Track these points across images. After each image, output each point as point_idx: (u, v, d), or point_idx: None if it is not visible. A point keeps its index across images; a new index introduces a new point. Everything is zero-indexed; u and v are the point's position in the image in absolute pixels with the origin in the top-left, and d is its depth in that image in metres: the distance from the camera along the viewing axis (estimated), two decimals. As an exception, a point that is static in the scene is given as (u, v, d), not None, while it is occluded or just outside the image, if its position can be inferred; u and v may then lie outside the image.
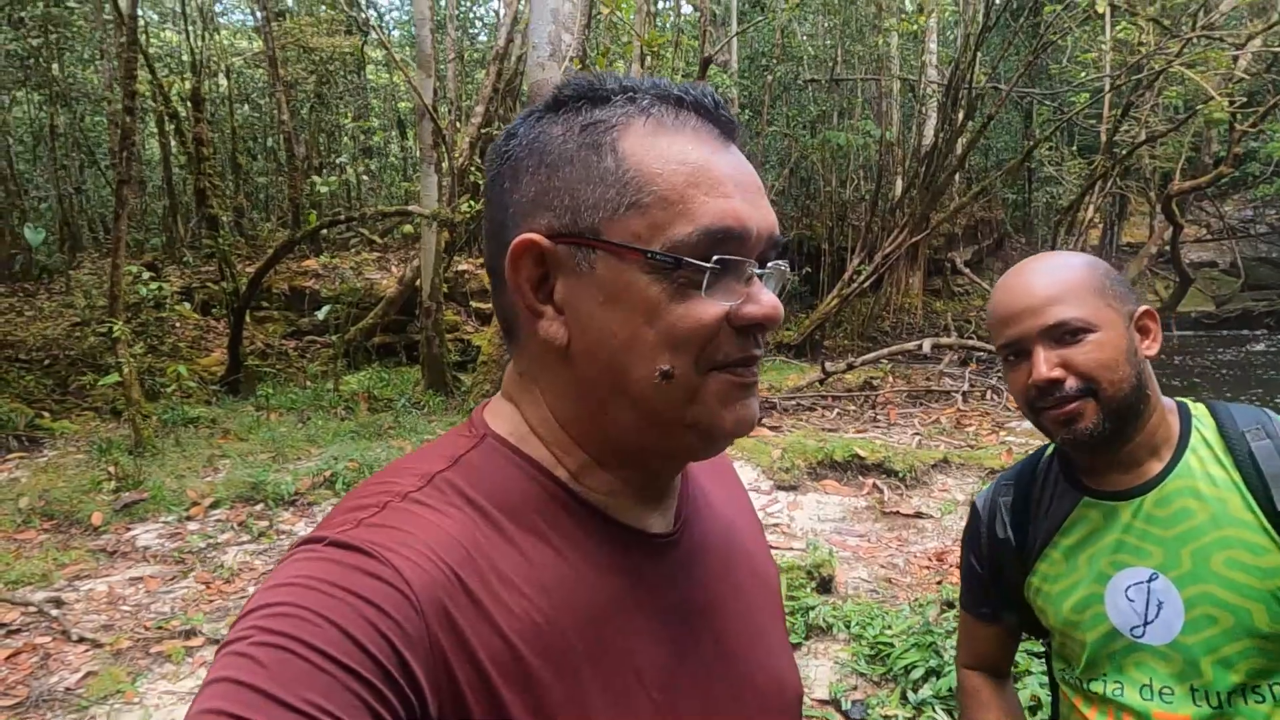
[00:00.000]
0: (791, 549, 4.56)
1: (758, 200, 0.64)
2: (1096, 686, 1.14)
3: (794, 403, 8.73)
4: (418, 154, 10.52)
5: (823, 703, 3.07)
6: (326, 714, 0.47)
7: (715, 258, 0.59)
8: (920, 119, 14.99)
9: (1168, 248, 16.14)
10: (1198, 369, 12.65)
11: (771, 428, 7.58)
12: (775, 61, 15.09)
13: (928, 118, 14.49)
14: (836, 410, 8.59)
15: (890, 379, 10.15)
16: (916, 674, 3.06)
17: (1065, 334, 1.07)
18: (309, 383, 9.74)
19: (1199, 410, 1.17)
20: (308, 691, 0.47)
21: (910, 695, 2.98)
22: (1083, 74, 13.94)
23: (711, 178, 0.61)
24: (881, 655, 3.28)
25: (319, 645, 0.49)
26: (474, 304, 11.93)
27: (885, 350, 10.66)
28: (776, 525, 5.03)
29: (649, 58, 7.78)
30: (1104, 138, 12.96)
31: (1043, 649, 1.32)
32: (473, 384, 8.45)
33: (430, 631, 0.53)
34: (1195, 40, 10.62)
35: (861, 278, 12.57)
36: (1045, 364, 1.07)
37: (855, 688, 3.14)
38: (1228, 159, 13.60)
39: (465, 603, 0.55)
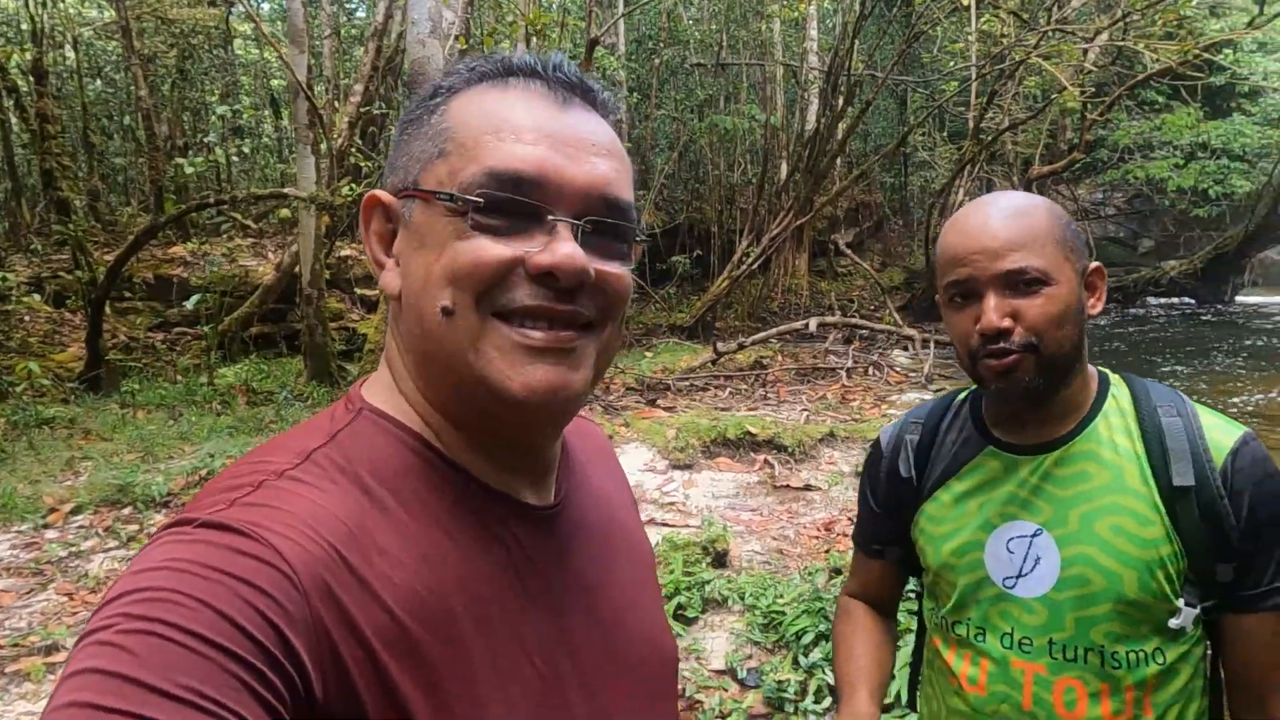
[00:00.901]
0: (687, 526, 4.64)
1: (581, 155, 0.64)
2: (960, 630, 1.16)
3: (687, 383, 8.87)
4: (293, 134, 10.02)
5: (719, 673, 3.14)
6: (205, 699, 0.45)
7: (480, 191, 0.61)
8: (803, 104, 15.41)
9: (1029, 228, 17.15)
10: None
11: (666, 408, 7.68)
12: (662, 45, 15.17)
13: (810, 103, 14.90)
14: (729, 389, 8.78)
15: (779, 358, 10.45)
16: (807, 639, 3.18)
17: (1021, 283, 1.03)
18: (180, 377, 9.16)
19: (1116, 380, 1.17)
20: (184, 676, 0.45)
21: (801, 659, 3.09)
22: (951, 63, 14.67)
23: (513, 126, 0.63)
24: (774, 624, 3.38)
25: (193, 629, 0.47)
26: (359, 290, 11.50)
27: (774, 330, 10.97)
28: (672, 504, 5.10)
29: (534, 38, 7.67)
30: (971, 124, 13.69)
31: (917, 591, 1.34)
32: (360, 373, 8.16)
33: (313, 610, 0.52)
34: (1050, 33, 11.34)
35: (750, 260, 12.85)
36: (996, 312, 1.03)
37: (750, 656, 3.24)
38: (1080, 145, 14.63)
39: (348, 579, 0.54)
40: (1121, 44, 12.55)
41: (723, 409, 7.74)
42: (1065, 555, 1.07)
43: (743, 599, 3.67)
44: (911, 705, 1.36)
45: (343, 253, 11.44)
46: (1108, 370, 1.19)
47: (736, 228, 14.84)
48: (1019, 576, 1.10)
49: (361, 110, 9.99)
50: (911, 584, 1.39)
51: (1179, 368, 10.43)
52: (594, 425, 0.92)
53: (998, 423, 1.18)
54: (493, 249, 0.60)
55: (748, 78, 16.35)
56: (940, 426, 1.24)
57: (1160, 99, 17.95)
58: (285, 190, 8.99)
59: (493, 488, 0.67)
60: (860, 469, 1.31)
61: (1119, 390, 1.15)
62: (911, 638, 2.91)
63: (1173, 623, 1.04)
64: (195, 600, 0.48)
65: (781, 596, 3.58)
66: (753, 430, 6.19)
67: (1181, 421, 1.08)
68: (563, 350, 0.62)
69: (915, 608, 1.39)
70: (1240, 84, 16.25)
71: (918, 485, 1.22)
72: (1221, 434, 1.06)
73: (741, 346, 10.04)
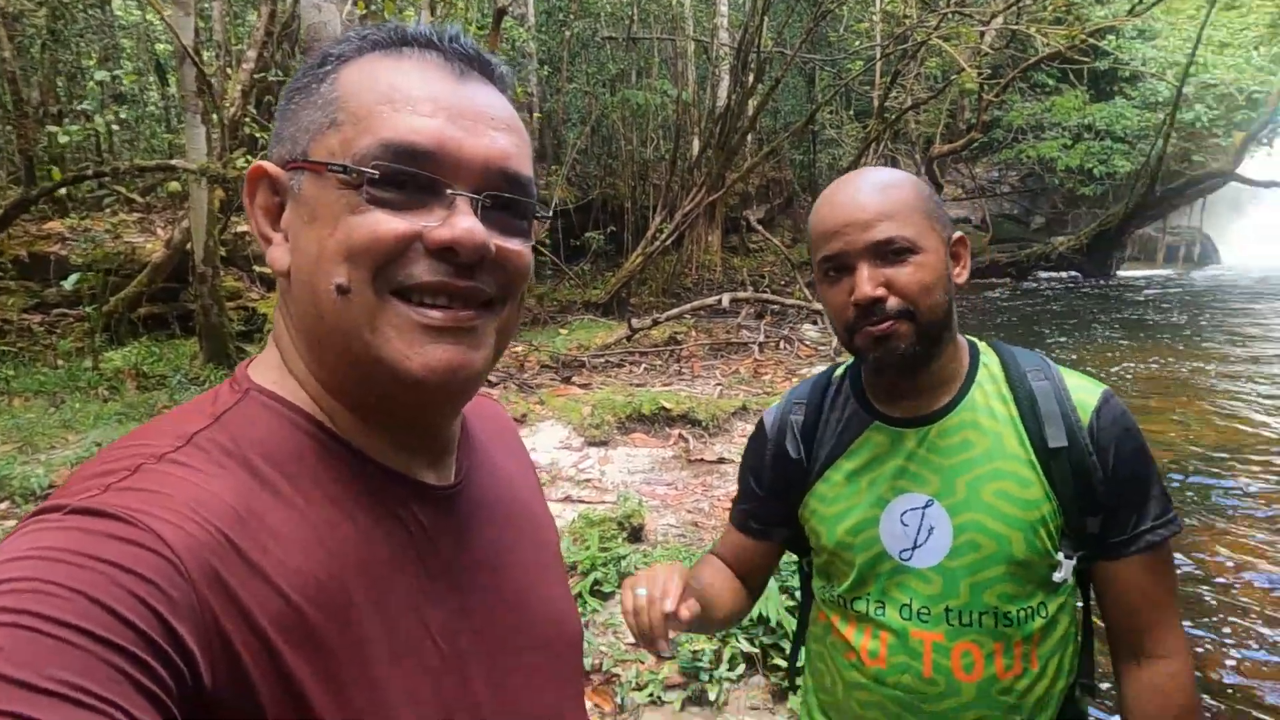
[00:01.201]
0: (604, 502, 4.65)
1: (479, 129, 0.62)
2: (860, 605, 1.18)
3: (602, 360, 8.85)
4: (180, 102, 9.44)
5: (635, 645, 3.17)
6: (82, 691, 0.42)
7: (374, 163, 0.58)
8: (714, 80, 15.47)
9: (930, 206, 17.79)
10: (963, 312, 14.10)
11: (581, 385, 7.65)
12: (573, 17, 14.93)
13: (721, 79, 14.97)
14: (644, 365, 8.81)
15: (693, 333, 10.55)
16: (722, 609, 3.23)
17: (890, 252, 1.06)
18: (61, 361, 8.57)
19: (985, 348, 1.21)
20: (57, 670, 0.42)
21: (716, 630, 3.15)
22: (857, 42, 14.95)
23: (408, 96, 0.60)
24: (690, 595, 3.42)
25: (67, 619, 0.44)
26: (257, 268, 10.99)
27: (688, 305, 11.04)
28: (588, 480, 5.10)
29: (440, 5, 7.41)
30: (876, 103, 14.03)
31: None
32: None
33: (200, 596, 0.49)
34: (950, 15, 11.69)
35: (664, 236, 12.89)
36: (869, 282, 1.05)
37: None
38: (977, 125, 15.21)
39: (237, 564, 0.52)
40: (1015, 28, 13.06)
41: (638, 385, 7.77)
42: (957, 523, 1.10)
43: (659, 572, 3.70)
44: (792, 686, 1.39)
45: (240, 228, 10.88)
46: (975, 339, 1.22)
47: (650, 204, 14.84)
48: (914, 548, 1.13)
49: (256, 77, 9.48)
50: (788, 559, 1.41)
51: (1063, 339, 11.04)
52: (496, 404, 0.91)
53: (879, 397, 1.19)
54: (389, 223, 0.58)
55: (659, 52, 16.30)
56: (823, 405, 1.24)
57: (1050, 82, 18.83)
58: (173, 162, 8.45)
59: (390, 468, 0.65)
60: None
61: (989, 358, 1.19)
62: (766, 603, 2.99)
63: (1056, 576, 1.10)
64: (68, 589, 0.45)
65: (696, 568, 3.62)
66: (667, 405, 6.23)
67: (1050, 385, 1.13)
68: (462, 329, 0.61)
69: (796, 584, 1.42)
70: (1122, 69, 17.16)
71: (807, 466, 1.23)
72: (1085, 394, 1.12)
73: (656, 323, 10.08)
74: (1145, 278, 18.57)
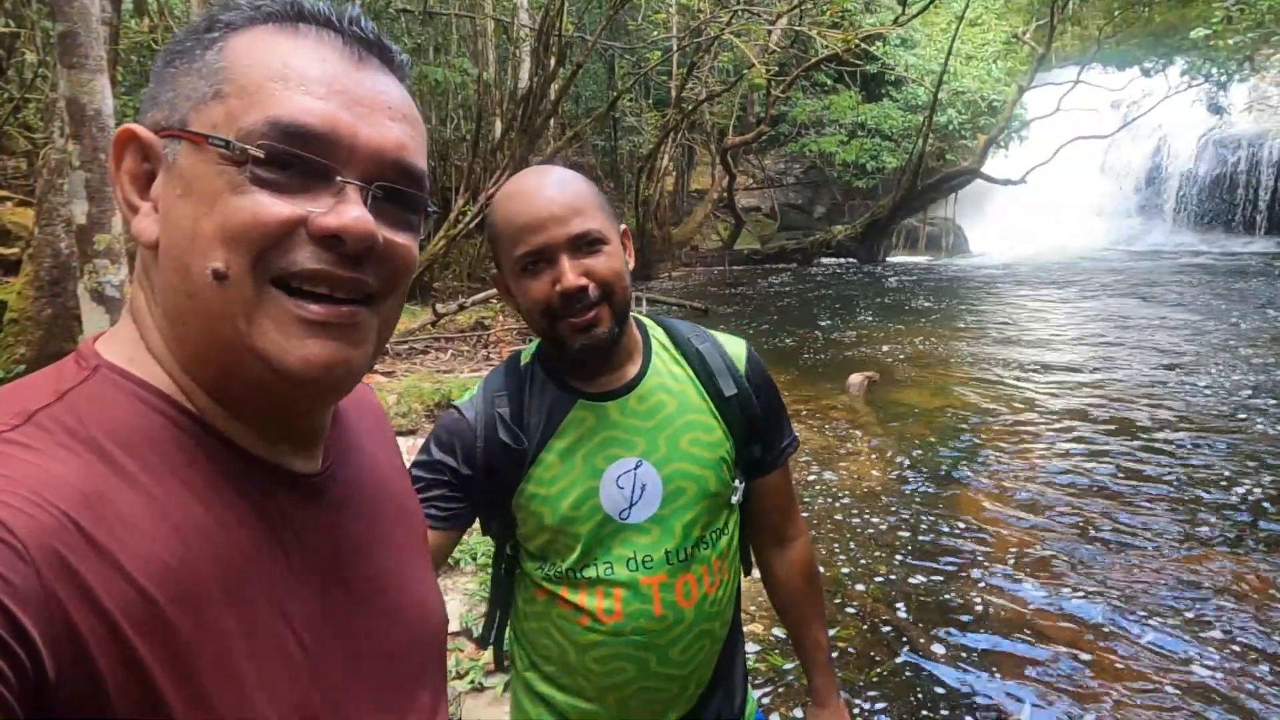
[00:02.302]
0: (413, 493, 4.52)
1: (374, 117, 0.61)
2: (589, 572, 1.23)
3: (406, 346, 8.55)
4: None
5: (455, 634, 3.13)
6: None
7: (261, 142, 0.56)
8: (515, 62, 15.29)
9: (726, 194, 18.80)
10: (753, 296, 15.03)
11: (385, 373, 7.36)
12: (364, -15, 14.14)
13: (522, 61, 14.82)
14: (450, 351, 8.61)
15: (501, 318, 10.44)
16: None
17: (585, 244, 1.15)
18: None
19: (649, 322, 1.36)
20: None
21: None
22: (655, 32, 15.34)
23: (302, 76, 0.58)
24: (507, 579, 3.42)
25: None
26: (-9, 249, 9.51)
27: (493, 290, 10.90)
28: (396, 471, 4.94)
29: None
30: (674, 93, 14.51)
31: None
32: (0, 348, 6.79)
33: (44, 583, 0.46)
34: (740, 13, 12.31)
35: (467, 219, 12.61)
36: (573, 272, 1.14)
37: (484, 615, 3.25)
38: (765, 119, 16.17)
39: (85, 549, 0.49)
40: (798, 29, 14.00)
41: (445, 371, 7.59)
42: (664, 475, 1.24)
43: (475, 559, 3.67)
44: (499, 664, 1.46)
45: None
46: (639, 315, 1.36)
47: (452, 185, 14.44)
48: (630, 506, 1.23)
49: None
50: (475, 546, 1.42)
51: (833, 321, 11.94)
52: (365, 387, 0.87)
53: (576, 377, 1.27)
54: (273, 206, 0.56)
55: (458, 29, 15.84)
56: (524, 393, 1.27)
57: (829, 81, 20.36)
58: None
59: (253, 454, 0.62)
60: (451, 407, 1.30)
61: (655, 331, 1.35)
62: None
63: (734, 499, 1.33)
64: None
65: (513, 552, 3.62)
66: (477, 391, 6.15)
67: (710, 344, 1.34)
68: (343, 325, 0.59)
69: (491, 573, 1.44)
70: (889, 73, 18.92)
71: (525, 452, 1.24)
72: (736, 347, 1.35)
73: (462, 308, 9.88)
74: (910, 264, 20.66)
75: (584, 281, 1.14)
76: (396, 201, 0.62)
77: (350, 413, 0.78)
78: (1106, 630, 3.44)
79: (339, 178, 0.59)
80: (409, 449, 5.31)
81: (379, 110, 0.61)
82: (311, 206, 0.58)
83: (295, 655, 0.60)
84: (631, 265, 1.24)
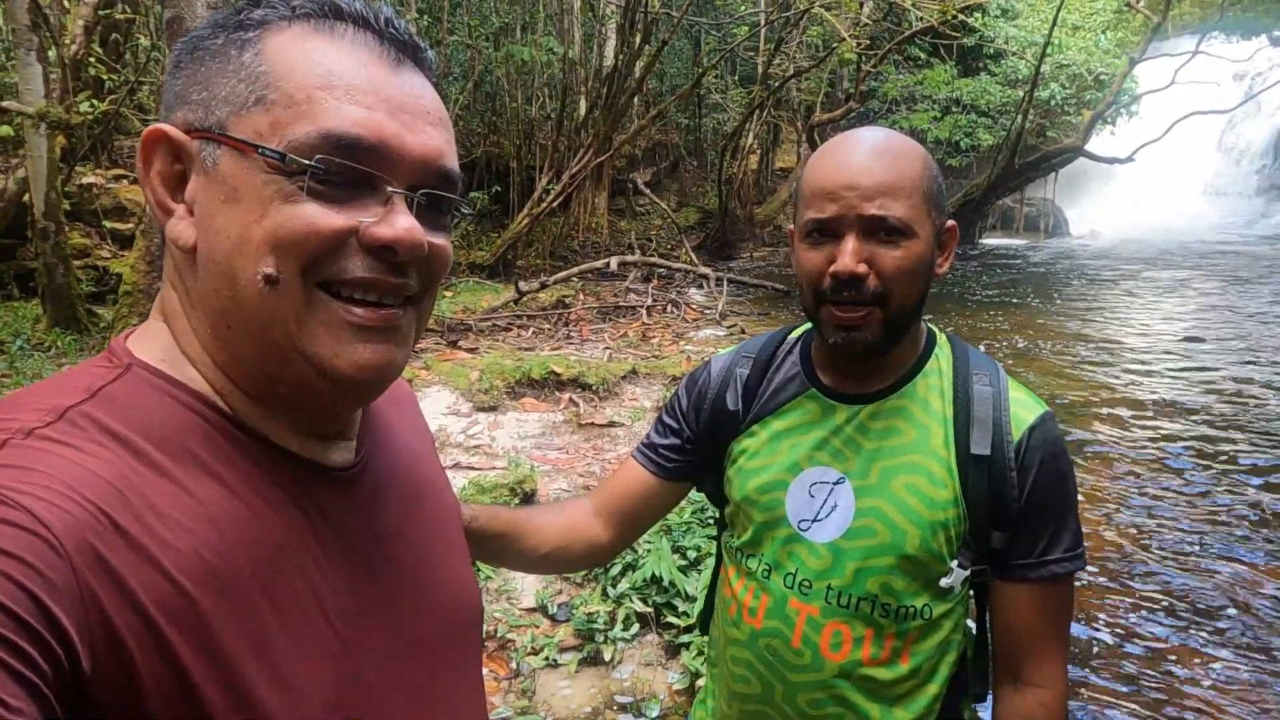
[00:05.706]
0: (494, 468, 4.60)
1: (417, 124, 0.61)
2: (751, 563, 1.19)
3: (489, 323, 8.70)
4: (11, 38, 8.49)
5: (530, 610, 3.18)
6: None
7: (319, 157, 0.56)
8: (600, 39, 15.26)
9: (811, 173, 18.29)
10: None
11: (468, 349, 7.50)
12: (454, -35, 14.32)
13: (607, 39, 14.78)
14: (532, 329, 8.71)
15: (581, 296, 10.51)
16: (615, 570, 3.28)
17: (882, 229, 1.00)
18: (-125, 326, 7.67)
19: (942, 340, 1.18)
20: None
21: (610, 590, 3.19)
22: (742, 7, 15.05)
23: (351, 85, 0.58)
24: (583, 558, 3.45)
25: None
26: (108, 224, 10.10)
27: (576, 269, 10.97)
28: (478, 446, 5.03)
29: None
30: (760, 70, 14.22)
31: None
32: (115, 318, 7.21)
33: (79, 577, 0.47)
34: (831, -15, 11.93)
35: (550, 197, 12.70)
36: (853, 256, 1.00)
37: (560, 592, 3.29)
38: (855, 95, 15.68)
39: (119, 543, 0.49)
40: (892, 1, 13.48)
41: (526, 349, 7.68)
42: (860, 506, 1.10)
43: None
44: (704, 630, 1.40)
45: (86, 179, 9.96)
46: (936, 328, 1.20)
47: (536, 164, 14.56)
48: (814, 520, 1.12)
49: (100, 13, 8.63)
50: (692, 512, 1.42)
51: (946, 304, 11.60)
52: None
53: (823, 366, 1.18)
54: (327, 218, 0.57)
55: (544, 8, 15.89)
56: (770, 364, 1.23)
57: (922, 56, 19.59)
58: (6, 104, 7.62)
59: (287, 450, 0.63)
60: (665, 400, 1.33)
61: (942, 351, 1.17)
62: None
63: (943, 582, 1.09)
64: None
65: (590, 531, 3.65)
66: (557, 369, 6.20)
67: (992, 391, 1.10)
68: (389, 329, 0.61)
69: (714, 533, 1.45)
70: (987, 46, 18.06)
71: (741, 419, 1.22)
72: (1024, 410, 1.10)
73: (544, 286, 9.97)
74: (1006, 246, 19.82)
75: (863, 270, 1.00)
76: (434, 206, 0.64)
77: (382, 403, 0.79)
78: (1189, 648, 3.24)
79: (389, 188, 0.60)
80: (489, 425, 5.41)
81: (420, 116, 0.62)
82: (361, 216, 0.59)
83: (332, 646, 0.61)
84: (943, 269, 1.09)
